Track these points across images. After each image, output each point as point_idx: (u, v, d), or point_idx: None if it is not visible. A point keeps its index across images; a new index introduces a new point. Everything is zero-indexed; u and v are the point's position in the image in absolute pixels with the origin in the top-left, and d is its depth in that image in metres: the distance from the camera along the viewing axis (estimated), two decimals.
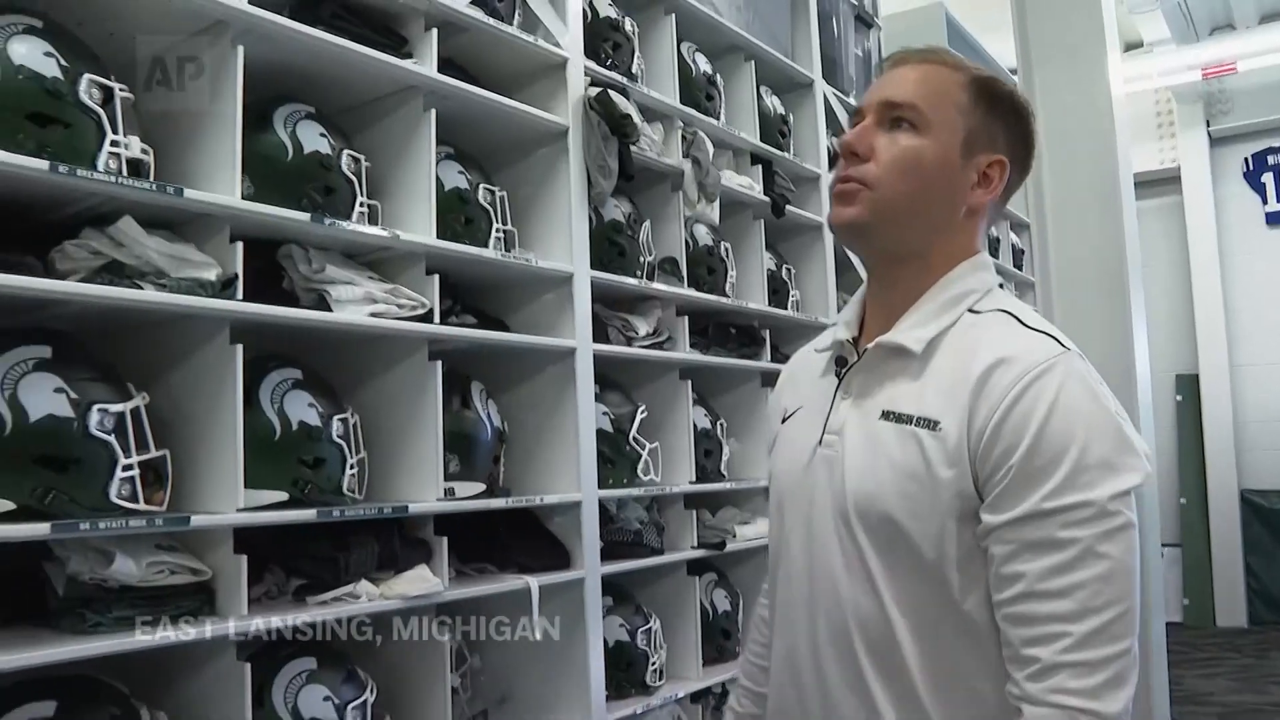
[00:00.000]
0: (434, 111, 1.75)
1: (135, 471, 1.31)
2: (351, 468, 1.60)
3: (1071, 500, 0.83)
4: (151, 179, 1.38)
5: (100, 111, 1.31)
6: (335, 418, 1.58)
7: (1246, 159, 6.84)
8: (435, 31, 1.76)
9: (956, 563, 0.88)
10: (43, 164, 1.22)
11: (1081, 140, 3.65)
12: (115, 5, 1.42)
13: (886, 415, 0.94)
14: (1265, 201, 6.77)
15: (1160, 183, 6.83)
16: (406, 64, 1.71)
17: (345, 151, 1.64)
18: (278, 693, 1.48)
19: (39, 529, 1.20)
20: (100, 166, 1.30)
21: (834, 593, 0.95)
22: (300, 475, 1.54)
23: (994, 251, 4.45)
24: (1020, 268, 4.76)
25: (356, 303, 1.60)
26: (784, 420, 1.10)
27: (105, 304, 1.33)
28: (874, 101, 1.00)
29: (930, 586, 0.90)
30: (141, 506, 1.31)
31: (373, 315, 1.62)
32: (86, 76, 1.30)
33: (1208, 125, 6.86)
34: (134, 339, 1.49)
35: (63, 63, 1.29)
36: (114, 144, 1.32)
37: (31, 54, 1.26)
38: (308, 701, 1.48)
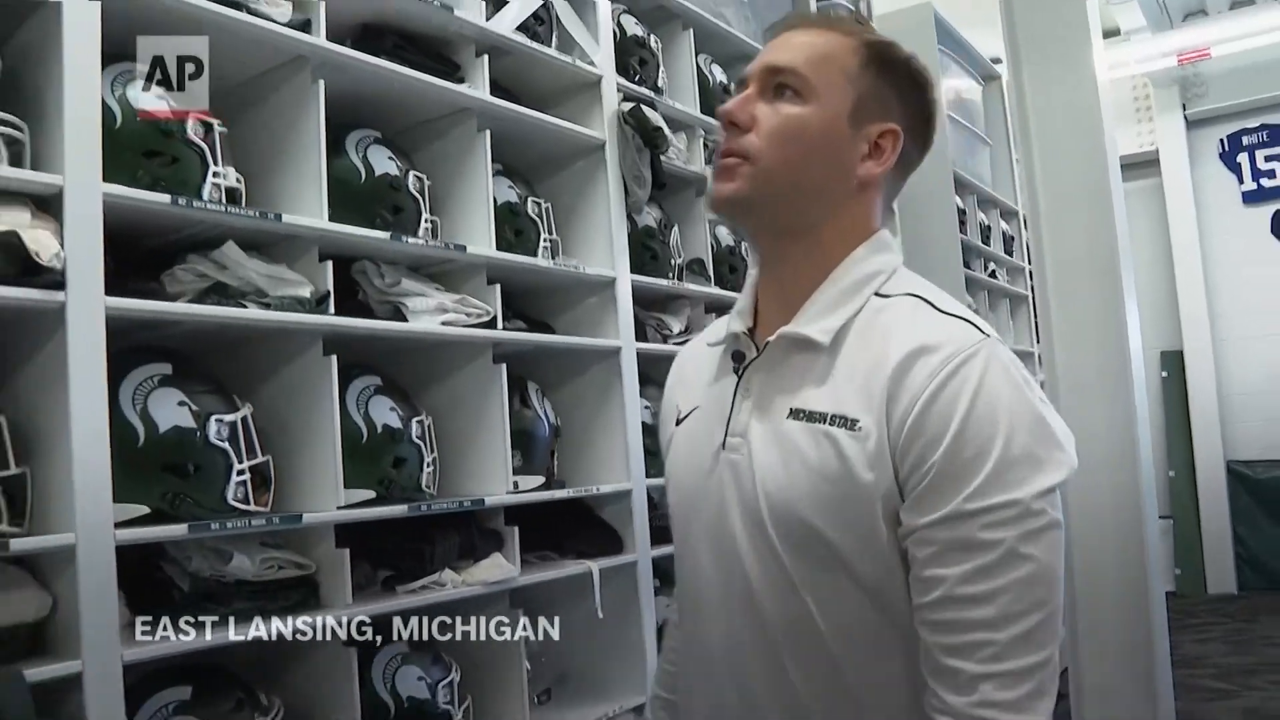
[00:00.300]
0: (488, 131, 1.87)
1: (247, 475, 1.43)
2: (428, 466, 1.73)
3: (994, 500, 0.77)
4: (243, 205, 1.49)
5: (203, 145, 1.43)
6: (414, 420, 1.71)
7: (1222, 140, 7.00)
8: (486, 57, 1.88)
9: (885, 565, 0.82)
10: (164, 197, 1.34)
11: (1071, 129, 3.78)
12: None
13: (796, 414, 0.86)
14: (1241, 181, 6.93)
15: (1140, 166, 6.97)
16: (462, 88, 1.83)
17: (411, 172, 1.76)
18: (377, 674, 1.61)
19: (178, 529, 1.32)
20: (205, 196, 1.42)
21: (752, 601, 0.87)
22: (385, 474, 1.67)
23: (985, 239, 4.59)
24: (1010, 254, 4.91)
25: (430, 313, 1.72)
26: (679, 422, 1.00)
27: (215, 322, 1.45)
28: (757, 68, 0.91)
29: (857, 590, 0.83)
30: (252, 508, 1.44)
31: (444, 324, 1.74)
32: (192, 113, 1.42)
33: (1184, 109, 7.01)
34: (231, 353, 1.61)
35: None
36: (215, 174, 1.44)
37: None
38: (404, 681, 1.62)
